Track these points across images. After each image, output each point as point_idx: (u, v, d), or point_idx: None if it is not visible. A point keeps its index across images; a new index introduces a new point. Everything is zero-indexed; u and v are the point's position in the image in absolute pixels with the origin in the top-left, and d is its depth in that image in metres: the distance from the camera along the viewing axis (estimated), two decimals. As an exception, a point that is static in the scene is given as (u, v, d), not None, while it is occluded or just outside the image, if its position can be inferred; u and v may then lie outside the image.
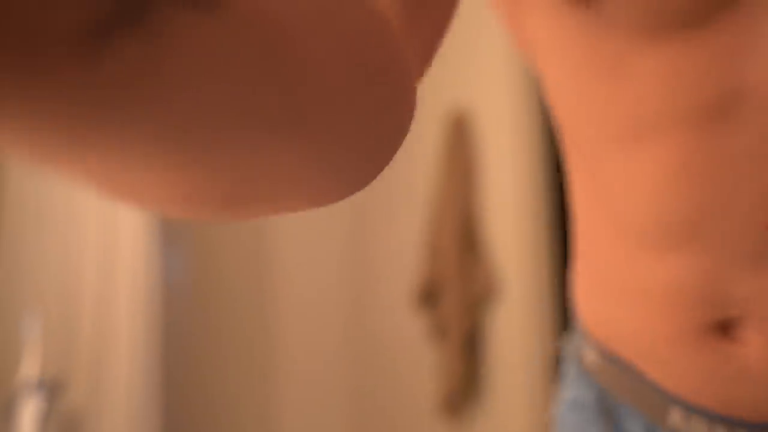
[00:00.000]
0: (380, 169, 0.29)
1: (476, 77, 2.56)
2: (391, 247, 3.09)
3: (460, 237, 2.50)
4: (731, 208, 0.44)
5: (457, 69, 2.67)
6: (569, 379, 0.62)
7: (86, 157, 0.17)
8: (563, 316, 2.34)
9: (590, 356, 0.58)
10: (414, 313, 2.80)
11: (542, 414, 2.26)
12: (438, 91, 2.76)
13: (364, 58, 0.25)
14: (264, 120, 0.20)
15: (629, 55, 0.45)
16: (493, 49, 2.43)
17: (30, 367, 1.14)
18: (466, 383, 2.53)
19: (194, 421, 3.12)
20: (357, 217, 3.16)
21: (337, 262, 3.35)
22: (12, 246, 2.30)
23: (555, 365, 2.27)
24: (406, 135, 0.30)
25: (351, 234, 3.23)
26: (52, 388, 1.15)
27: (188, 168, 0.20)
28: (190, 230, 3.33)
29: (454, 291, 2.50)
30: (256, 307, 3.31)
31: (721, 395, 0.49)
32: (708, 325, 0.47)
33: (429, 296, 2.64)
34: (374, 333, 3.10)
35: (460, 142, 2.56)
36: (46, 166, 0.18)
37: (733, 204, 0.44)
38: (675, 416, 0.52)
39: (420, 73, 0.34)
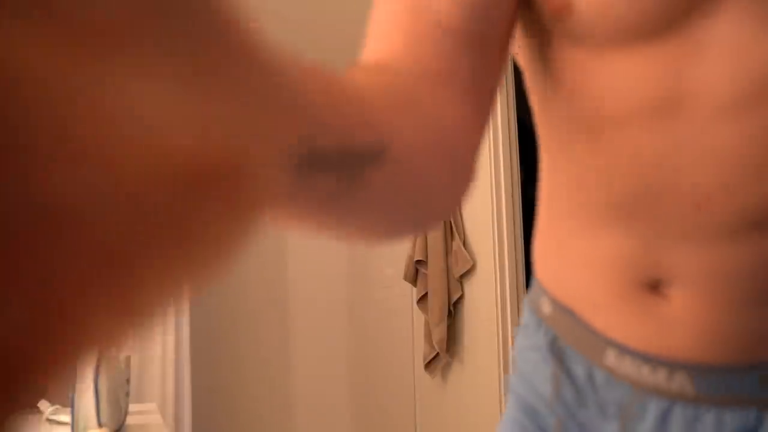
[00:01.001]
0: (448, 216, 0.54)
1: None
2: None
3: (444, 223, 2.52)
4: (669, 191, 0.47)
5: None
6: (527, 328, 0.65)
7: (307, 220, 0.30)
8: (527, 290, 2.40)
9: (545, 307, 0.62)
10: (406, 286, 2.86)
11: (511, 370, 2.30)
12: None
13: (447, 166, 0.40)
14: (386, 213, 0.37)
15: (592, 62, 0.48)
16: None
17: None
18: (447, 344, 2.58)
19: (218, 363, 3.36)
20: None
21: (344, 245, 3.50)
22: None
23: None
24: (467, 193, 0.43)
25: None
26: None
27: (357, 229, 0.36)
28: None
29: (439, 268, 2.57)
30: (272, 288, 3.52)
31: (648, 339, 0.53)
32: (641, 283, 0.51)
33: (418, 272, 2.71)
34: (373, 302, 3.21)
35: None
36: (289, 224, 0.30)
37: (671, 187, 0.47)
38: (610, 356, 0.56)
39: (480, 136, 0.44)
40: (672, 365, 0.52)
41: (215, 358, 3.37)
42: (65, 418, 1.38)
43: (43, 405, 1.48)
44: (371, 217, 0.35)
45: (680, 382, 0.52)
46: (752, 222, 0.46)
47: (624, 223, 0.52)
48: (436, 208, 0.41)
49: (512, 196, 2.47)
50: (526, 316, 0.66)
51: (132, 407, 1.48)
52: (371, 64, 0.42)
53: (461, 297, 2.61)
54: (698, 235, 0.48)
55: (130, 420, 1.41)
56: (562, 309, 0.59)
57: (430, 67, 0.41)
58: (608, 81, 0.49)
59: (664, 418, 0.53)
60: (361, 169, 0.29)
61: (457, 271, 2.56)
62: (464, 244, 2.57)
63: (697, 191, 0.47)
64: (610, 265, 0.54)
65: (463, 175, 0.42)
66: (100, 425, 1.20)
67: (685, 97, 0.45)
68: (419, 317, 2.83)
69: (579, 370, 0.58)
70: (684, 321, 0.51)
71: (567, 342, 0.59)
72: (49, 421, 1.43)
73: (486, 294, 2.41)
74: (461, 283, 2.59)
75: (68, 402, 1.24)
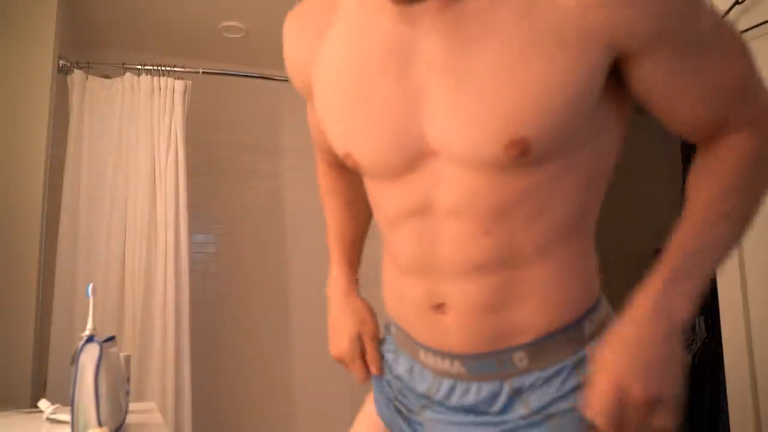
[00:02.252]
0: None
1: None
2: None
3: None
4: (432, 256, 0.82)
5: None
6: (385, 342, 1.03)
7: None
8: None
9: (393, 329, 0.98)
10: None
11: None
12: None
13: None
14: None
15: (379, 185, 0.86)
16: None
17: (91, 323, 1.31)
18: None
19: (217, 362, 3.40)
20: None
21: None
22: (82, 234, 2.57)
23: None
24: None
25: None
26: (107, 339, 1.32)
27: None
28: (214, 220, 3.60)
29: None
30: (273, 288, 3.58)
31: (439, 341, 0.86)
32: (430, 307, 0.85)
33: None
34: (372, 301, 3.19)
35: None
36: None
37: (432, 254, 0.82)
38: (421, 355, 0.90)
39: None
40: (452, 356, 0.86)
41: (215, 357, 3.41)
42: (65, 417, 1.39)
43: (44, 404, 1.49)
44: None
45: (458, 368, 0.86)
46: (475, 267, 0.80)
47: (416, 275, 0.86)
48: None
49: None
50: (385, 335, 1.04)
51: (132, 406, 1.48)
52: (332, 165, 1.14)
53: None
54: (451, 276, 0.82)
55: (130, 419, 1.41)
56: (399, 328, 0.95)
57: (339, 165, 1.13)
58: (387, 196, 0.85)
59: (450, 390, 0.87)
60: None
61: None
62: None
63: (445, 255, 0.81)
64: (413, 298, 0.87)
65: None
66: (100, 424, 1.21)
67: (432, 205, 0.81)
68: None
69: (405, 364, 0.94)
70: (454, 328, 0.84)
71: (402, 349, 0.95)
72: (50, 420, 1.44)
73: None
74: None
75: (68, 401, 1.24)
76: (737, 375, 1.52)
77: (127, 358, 1.50)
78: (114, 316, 2.51)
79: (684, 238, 0.76)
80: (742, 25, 1.55)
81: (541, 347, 0.81)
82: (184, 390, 2.55)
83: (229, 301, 3.54)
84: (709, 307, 3.43)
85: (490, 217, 0.77)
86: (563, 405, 0.80)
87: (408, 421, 0.95)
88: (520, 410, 0.82)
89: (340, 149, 0.85)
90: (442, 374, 0.87)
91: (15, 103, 2.42)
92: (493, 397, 0.83)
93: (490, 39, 0.70)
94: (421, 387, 0.91)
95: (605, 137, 0.78)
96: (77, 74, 2.68)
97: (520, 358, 0.82)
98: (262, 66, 3.65)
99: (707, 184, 0.78)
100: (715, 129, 0.77)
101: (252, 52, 3.58)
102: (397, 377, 0.96)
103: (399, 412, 0.97)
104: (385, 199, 0.85)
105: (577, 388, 0.80)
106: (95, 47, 3.32)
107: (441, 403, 0.89)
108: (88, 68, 2.73)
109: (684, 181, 3.77)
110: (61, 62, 2.63)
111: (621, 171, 3.80)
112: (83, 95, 2.67)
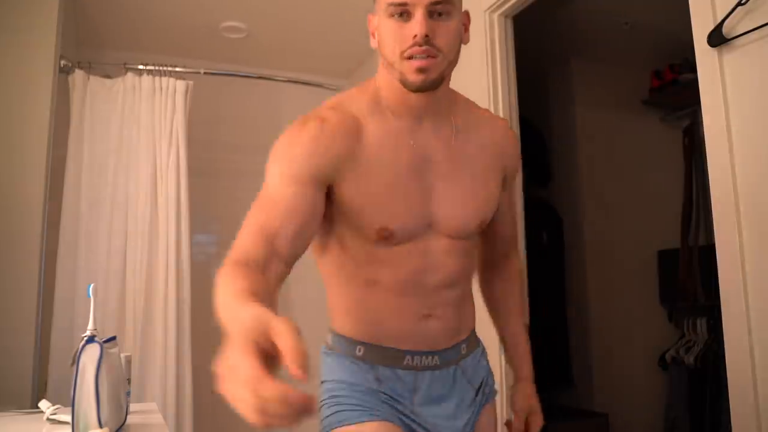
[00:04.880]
0: None
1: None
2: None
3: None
4: (420, 286, 1.22)
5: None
6: (336, 367, 1.26)
7: None
8: (529, 291, 2.51)
9: (359, 352, 1.24)
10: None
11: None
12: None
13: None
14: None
15: (392, 245, 1.19)
16: (473, 85, 2.71)
17: (92, 323, 1.30)
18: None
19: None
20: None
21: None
22: (83, 234, 2.58)
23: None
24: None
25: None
26: (108, 340, 1.31)
27: None
28: (215, 220, 3.61)
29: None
30: None
31: (423, 343, 1.23)
32: (423, 316, 1.22)
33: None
34: None
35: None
36: None
37: (420, 285, 1.22)
38: (407, 360, 1.23)
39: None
40: (432, 353, 1.24)
41: (216, 358, 3.38)
42: (66, 417, 1.38)
43: (44, 405, 1.48)
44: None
45: (435, 360, 1.24)
46: (448, 285, 1.23)
47: (410, 294, 1.21)
48: None
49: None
50: (338, 359, 1.27)
51: (133, 407, 1.48)
52: (251, 266, 1.07)
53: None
54: (435, 290, 1.22)
55: (131, 419, 1.41)
56: (373, 346, 1.23)
57: (270, 269, 1.06)
58: (397, 249, 1.19)
59: (431, 379, 1.24)
60: None
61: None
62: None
63: (431, 280, 1.22)
64: (409, 312, 1.22)
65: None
66: (100, 425, 1.20)
67: (427, 270, 1.21)
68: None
69: (387, 373, 1.23)
70: (437, 330, 1.23)
71: (377, 362, 1.23)
72: (50, 420, 1.44)
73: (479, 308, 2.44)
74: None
75: (69, 401, 1.24)
76: (739, 376, 1.52)
77: (128, 359, 1.50)
78: (115, 316, 2.52)
79: (525, 344, 1.45)
80: (744, 27, 1.54)
81: (469, 341, 1.32)
82: (184, 390, 2.56)
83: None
84: (711, 309, 3.44)
85: (461, 255, 1.26)
86: (482, 375, 1.35)
87: (404, 414, 1.24)
88: (464, 380, 1.29)
89: (377, 224, 1.17)
90: (423, 369, 1.24)
91: (16, 103, 2.42)
92: (453, 374, 1.27)
93: (467, 165, 1.24)
94: (405, 382, 1.24)
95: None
96: (78, 74, 2.68)
97: (463, 348, 1.30)
98: (263, 66, 3.65)
99: (513, 302, 1.48)
100: (509, 247, 1.47)
101: (253, 52, 3.58)
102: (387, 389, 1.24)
103: (397, 410, 1.24)
104: (394, 252, 1.19)
105: (486, 366, 1.38)
106: (97, 47, 3.31)
107: (424, 395, 1.24)
108: (89, 68, 2.74)
109: (685, 182, 3.76)
110: (62, 62, 2.63)
111: (624, 174, 3.75)
112: (84, 95, 2.68)
